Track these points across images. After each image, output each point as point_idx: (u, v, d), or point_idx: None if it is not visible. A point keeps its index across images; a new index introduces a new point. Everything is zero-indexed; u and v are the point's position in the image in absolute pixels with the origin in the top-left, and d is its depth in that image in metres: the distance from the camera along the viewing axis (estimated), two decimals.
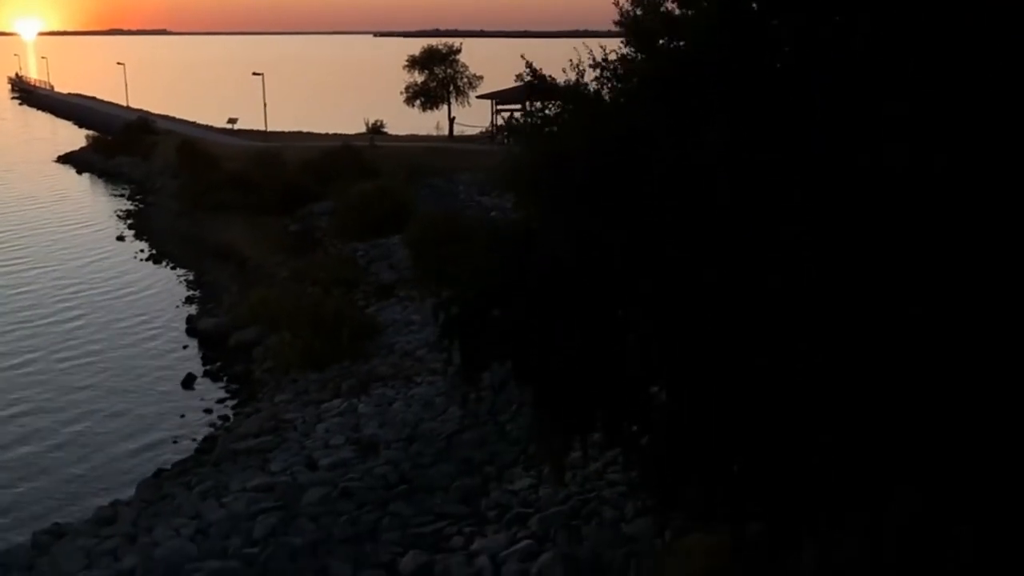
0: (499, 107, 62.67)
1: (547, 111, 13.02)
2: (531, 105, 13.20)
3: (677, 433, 11.83)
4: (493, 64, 68.01)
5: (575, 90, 12.56)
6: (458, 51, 68.66)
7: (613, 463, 17.70)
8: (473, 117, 67.07)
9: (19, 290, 38.48)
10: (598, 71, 12.28)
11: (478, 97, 66.75)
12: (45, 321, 34.27)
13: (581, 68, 12.81)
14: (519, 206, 13.36)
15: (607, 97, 12.23)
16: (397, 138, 65.16)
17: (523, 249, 12.37)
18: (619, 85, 11.81)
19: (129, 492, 21.24)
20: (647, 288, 10.04)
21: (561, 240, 11.34)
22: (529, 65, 12.80)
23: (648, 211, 10.43)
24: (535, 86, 12.70)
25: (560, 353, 11.56)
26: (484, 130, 64.38)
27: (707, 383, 10.79)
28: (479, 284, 13.25)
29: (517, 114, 46.39)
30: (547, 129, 12.69)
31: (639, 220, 10.59)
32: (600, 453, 17.95)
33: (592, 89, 12.54)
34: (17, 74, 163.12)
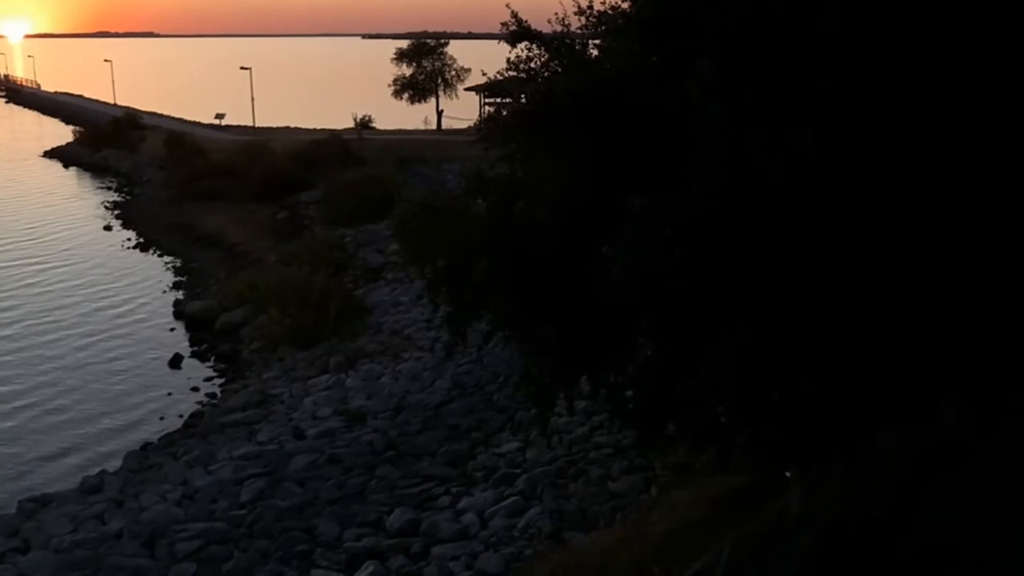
0: (487, 100, 62.64)
1: (532, 63, 13.02)
2: (517, 59, 13.09)
3: (661, 379, 11.88)
4: (481, 64, 68.00)
5: (560, 38, 12.58)
6: (445, 44, 68.66)
7: (599, 427, 17.79)
8: (462, 110, 67.01)
9: (6, 278, 38.32)
10: (583, 18, 12.32)
11: (466, 90, 66.72)
12: (34, 307, 34.14)
13: (566, 19, 12.84)
14: (504, 159, 13.32)
15: (592, 43, 12.28)
16: (385, 132, 65.09)
17: (509, 196, 12.40)
18: (603, 28, 11.86)
19: (116, 464, 21.22)
20: (635, 222, 10.07)
21: (547, 182, 11.38)
22: (514, 14, 12.82)
23: (634, 148, 10.47)
24: (519, 34, 12.69)
25: (547, 296, 11.60)
26: (474, 123, 64.34)
27: (691, 327, 10.82)
28: (465, 236, 13.26)
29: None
30: (531, 73, 12.69)
31: (624, 159, 10.63)
32: (587, 418, 18.04)
33: (578, 38, 12.58)
34: (4, 73, 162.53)
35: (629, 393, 13.04)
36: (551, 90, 12.54)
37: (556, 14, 13.22)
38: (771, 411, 10.85)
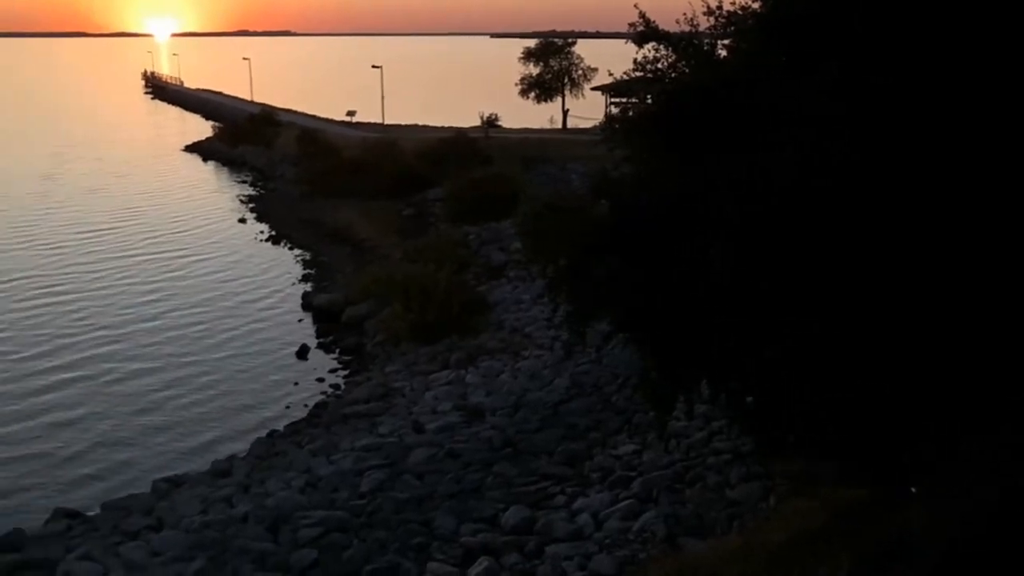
0: (613, 100, 62.35)
1: (659, 64, 12.95)
2: (643, 60, 13.04)
3: (783, 396, 11.67)
4: (607, 63, 68.03)
5: (688, 39, 12.49)
6: (573, 43, 68.74)
7: (719, 432, 17.54)
8: (587, 110, 66.97)
9: (146, 267, 40.15)
10: (712, 19, 12.19)
11: (592, 89, 66.67)
12: (169, 295, 35.72)
13: (695, 20, 12.74)
14: (629, 159, 13.29)
15: (721, 44, 12.16)
16: (511, 131, 65.64)
17: (632, 195, 12.35)
18: (733, 29, 11.72)
19: (244, 449, 21.99)
20: (758, 226, 9.91)
21: (669, 183, 11.29)
22: (642, 15, 12.76)
23: (760, 149, 10.29)
24: (647, 35, 12.63)
25: (665, 298, 11.50)
26: (599, 123, 64.10)
27: (818, 337, 10.59)
28: (587, 236, 13.27)
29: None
30: (658, 74, 12.63)
31: (749, 159, 10.45)
32: (706, 423, 17.80)
33: (706, 38, 12.48)
34: (150, 71, 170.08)
35: (749, 399, 12.86)
36: (677, 90, 12.47)
37: (684, 14, 13.13)
38: (881, 421, 10.58)
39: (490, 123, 63.57)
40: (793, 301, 9.72)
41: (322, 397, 25.74)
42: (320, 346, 30.11)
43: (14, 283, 36.77)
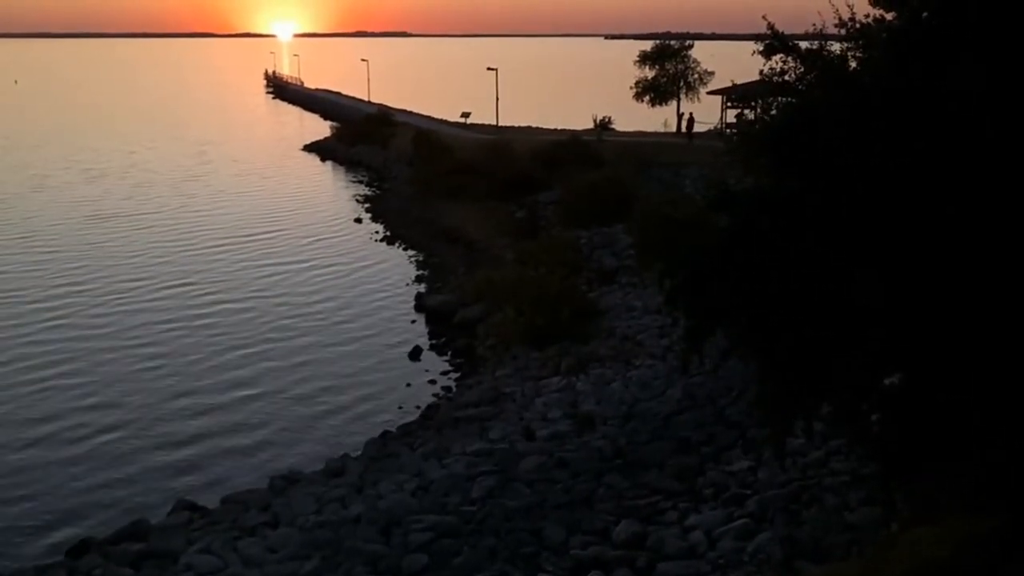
0: (729, 104, 61.33)
1: (785, 75, 12.64)
2: (770, 71, 12.72)
3: (912, 417, 11.28)
4: (723, 64, 67.20)
5: (817, 51, 12.15)
6: (690, 47, 67.81)
7: (837, 452, 17.05)
8: (703, 114, 66.11)
9: (264, 264, 41.23)
10: (843, 30, 11.85)
11: (708, 93, 65.68)
12: (287, 293, 36.62)
13: (823, 28, 12.41)
14: (750, 170, 13.01)
15: (851, 55, 11.80)
16: (624, 134, 65.21)
17: (753, 212, 12.08)
18: (864, 42, 11.36)
19: (357, 449, 22.33)
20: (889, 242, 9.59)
21: (795, 201, 11.01)
22: (770, 26, 12.47)
23: (898, 159, 9.95)
24: (774, 46, 12.33)
25: (786, 317, 11.22)
26: (714, 127, 63.17)
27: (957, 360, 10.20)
28: (707, 247, 13.04)
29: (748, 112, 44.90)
30: (785, 86, 12.32)
31: (888, 173, 10.11)
32: (824, 442, 17.33)
33: (836, 50, 12.13)
34: (272, 71, 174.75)
35: (874, 418, 12.44)
36: (806, 105, 12.15)
37: (813, 24, 12.82)
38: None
39: (603, 126, 63.26)
40: (946, 323, 9.38)
41: (434, 399, 25.98)
42: (432, 347, 30.42)
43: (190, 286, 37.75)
